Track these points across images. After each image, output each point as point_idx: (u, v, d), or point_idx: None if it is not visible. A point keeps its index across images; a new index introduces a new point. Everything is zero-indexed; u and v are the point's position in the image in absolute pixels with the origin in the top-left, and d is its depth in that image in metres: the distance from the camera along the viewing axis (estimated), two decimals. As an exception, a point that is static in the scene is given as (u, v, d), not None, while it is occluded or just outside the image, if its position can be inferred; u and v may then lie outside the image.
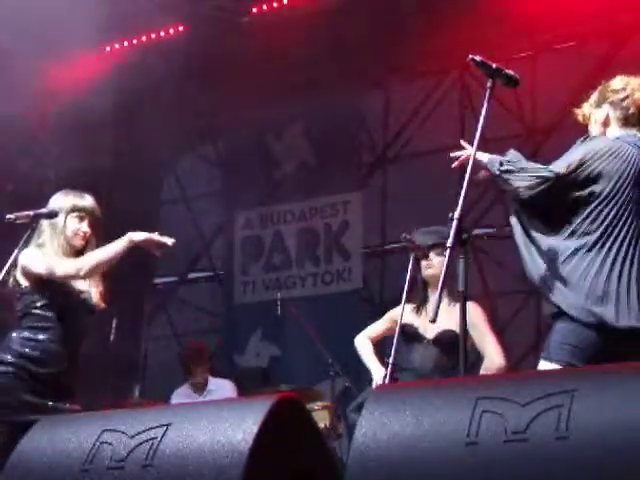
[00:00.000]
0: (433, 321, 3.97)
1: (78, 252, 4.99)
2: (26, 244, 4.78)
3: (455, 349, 5.46)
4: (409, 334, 5.68)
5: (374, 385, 5.74)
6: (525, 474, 2.41)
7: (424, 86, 9.67)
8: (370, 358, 5.88)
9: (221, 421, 2.91)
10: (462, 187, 3.67)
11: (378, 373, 5.71)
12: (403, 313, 5.66)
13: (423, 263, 5.69)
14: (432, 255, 5.64)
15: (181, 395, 8.05)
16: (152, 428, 2.96)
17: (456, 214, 3.60)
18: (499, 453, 2.46)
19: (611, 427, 2.38)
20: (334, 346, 8.18)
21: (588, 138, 4.17)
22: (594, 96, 4.25)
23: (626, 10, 7.99)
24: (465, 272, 3.70)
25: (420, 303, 5.76)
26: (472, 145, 3.86)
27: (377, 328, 6.02)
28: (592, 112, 4.25)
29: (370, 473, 2.62)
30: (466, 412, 2.56)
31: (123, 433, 2.99)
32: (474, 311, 5.51)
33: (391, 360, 5.47)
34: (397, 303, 5.78)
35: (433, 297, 5.55)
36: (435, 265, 5.58)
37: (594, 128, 4.23)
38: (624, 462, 2.31)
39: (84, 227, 4.98)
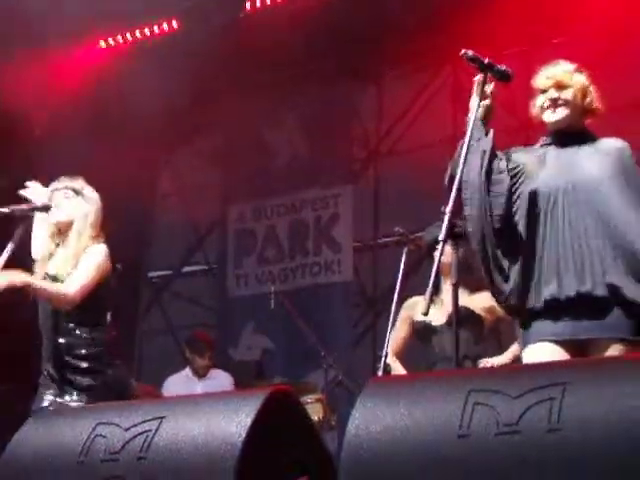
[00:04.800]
0: (425, 314, 3.97)
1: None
2: (20, 237, 4.76)
3: (470, 322, 5.52)
4: (421, 331, 5.70)
5: None
6: (517, 466, 2.42)
7: (417, 81, 9.68)
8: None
9: (215, 414, 2.91)
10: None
11: None
12: (416, 307, 5.69)
13: (436, 253, 5.68)
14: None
15: (179, 379, 8.05)
16: (146, 421, 2.97)
17: (448, 208, 3.61)
18: (491, 445, 2.47)
19: (603, 420, 2.38)
20: (326, 337, 8.20)
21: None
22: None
23: (624, 7, 7.98)
24: (456, 265, 3.71)
25: (433, 292, 5.73)
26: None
27: (398, 337, 5.92)
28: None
29: (363, 464, 2.62)
30: (458, 404, 2.56)
31: (117, 426, 3.00)
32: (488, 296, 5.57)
33: (384, 352, 5.48)
34: (390, 296, 5.78)
35: (445, 286, 5.57)
36: (447, 254, 5.57)
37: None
38: (615, 454, 2.32)
39: None
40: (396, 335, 5.91)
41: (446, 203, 3.62)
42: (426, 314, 3.86)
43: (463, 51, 3.85)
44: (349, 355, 6.40)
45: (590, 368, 2.68)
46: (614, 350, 3.75)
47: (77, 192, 5.00)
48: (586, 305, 3.81)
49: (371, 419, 2.67)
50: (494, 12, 7.64)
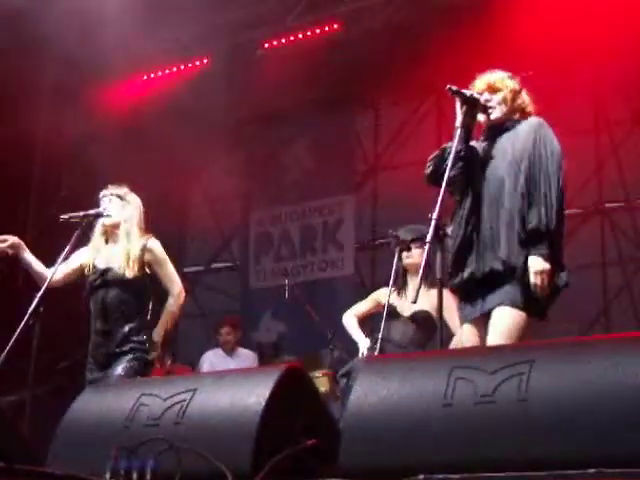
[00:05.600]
0: (414, 302, 3.96)
1: None
2: (76, 242, 4.75)
3: (427, 325, 5.53)
4: (390, 312, 5.69)
5: (360, 354, 5.76)
6: (492, 430, 2.41)
7: (407, 108, 9.69)
8: (356, 332, 5.92)
9: (239, 386, 2.90)
10: (440, 192, 3.66)
11: (364, 344, 5.75)
12: (383, 294, 5.70)
13: (404, 254, 5.70)
14: (412, 247, 5.64)
15: (213, 355, 8.10)
16: (182, 392, 2.96)
17: (434, 215, 3.58)
18: (471, 413, 2.46)
19: (562, 391, 2.38)
20: (332, 322, 8.19)
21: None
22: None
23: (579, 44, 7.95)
24: (441, 263, 3.69)
25: (401, 287, 5.77)
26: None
27: (362, 307, 6.04)
28: None
29: (362, 430, 2.62)
30: (443, 379, 2.55)
31: (158, 396, 2.99)
32: (448, 296, 5.54)
33: (380, 335, 5.48)
34: (385, 286, 5.79)
35: (412, 282, 5.61)
36: (414, 255, 5.60)
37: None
38: (571, 420, 2.31)
39: None
40: (361, 305, 6.00)
41: (433, 210, 3.60)
42: (414, 302, 3.85)
43: (448, 86, 3.81)
44: (351, 337, 6.41)
45: (552, 348, 2.67)
46: (500, 311, 3.68)
47: (121, 198, 4.99)
48: (480, 282, 3.78)
49: (369, 391, 2.67)
50: (471, 50, 7.61)
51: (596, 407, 2.29)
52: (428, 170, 3.97)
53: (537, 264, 3.65)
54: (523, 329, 3.66)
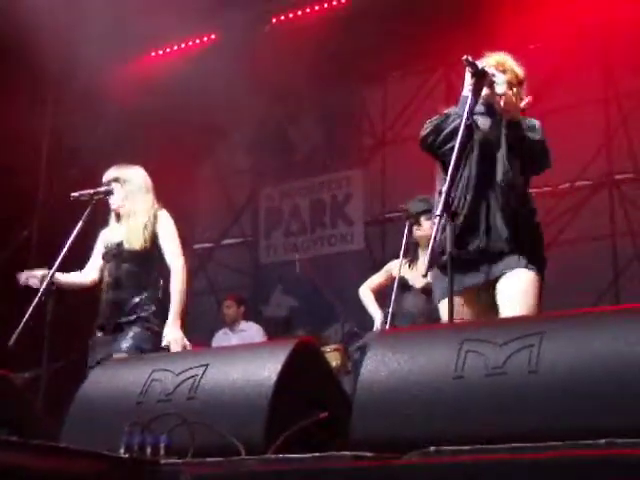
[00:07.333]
0: (424, 276, 3.95)
1: None
2: (86, 220, 4.76)
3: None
4: (402, 285, 5.71)
5: (375, 328, 5.79)
6: (503, 402, 2.41)
7: (415, 82, 9.65)
8: (372, 306, 5.96)
9: (251, 361, 2.91)
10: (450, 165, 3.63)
11: (379, 318, 5.78)
12: (395, 266, 5.72)
13: (415, 227, 5.70)
14: (422, 219, 5.64)
15: (220, 334, 8.18)
16: (194, 367, 2.97)
17: (444, 188, 3.56)
18: (481, 385, 2.46)
19: (572, 363, 2.37)
20: (342, 297, 8.21)
21: None
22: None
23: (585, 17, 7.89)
24: (451, 236, 3.66)
25: (412, 259, 5.78)
26: None
27: (376, 280, 6.11)
28: None
29: (373, 402, 2.62)
30: (453, 351, 2.55)
31: (170, 372, 2.99)
32: None
33: (390, 310, 5.49)
34: (396, 259, 5.80)
35: (423, 254, 5.60)
36: (424, 228, 5.60)
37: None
38: (582, 391, 2.31)
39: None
40: (375, 278, 6.06)
41: (443, 184, 3.58)
42: (425, 276, 3.84)
43: (465, 56, 3.78)
44: (361, 311, 6.43)
45: (562, 320, 2.66)
46: (511, 273, 3.67)
47: (118, 180, 4.96)
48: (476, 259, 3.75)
49: (380, 365, 2.66)
50: (478, 25, 7.57)
51: (606, 378, 2.28)
52: (425, 132, 3.94)
53: None
54: (538, 287, 3.67)
